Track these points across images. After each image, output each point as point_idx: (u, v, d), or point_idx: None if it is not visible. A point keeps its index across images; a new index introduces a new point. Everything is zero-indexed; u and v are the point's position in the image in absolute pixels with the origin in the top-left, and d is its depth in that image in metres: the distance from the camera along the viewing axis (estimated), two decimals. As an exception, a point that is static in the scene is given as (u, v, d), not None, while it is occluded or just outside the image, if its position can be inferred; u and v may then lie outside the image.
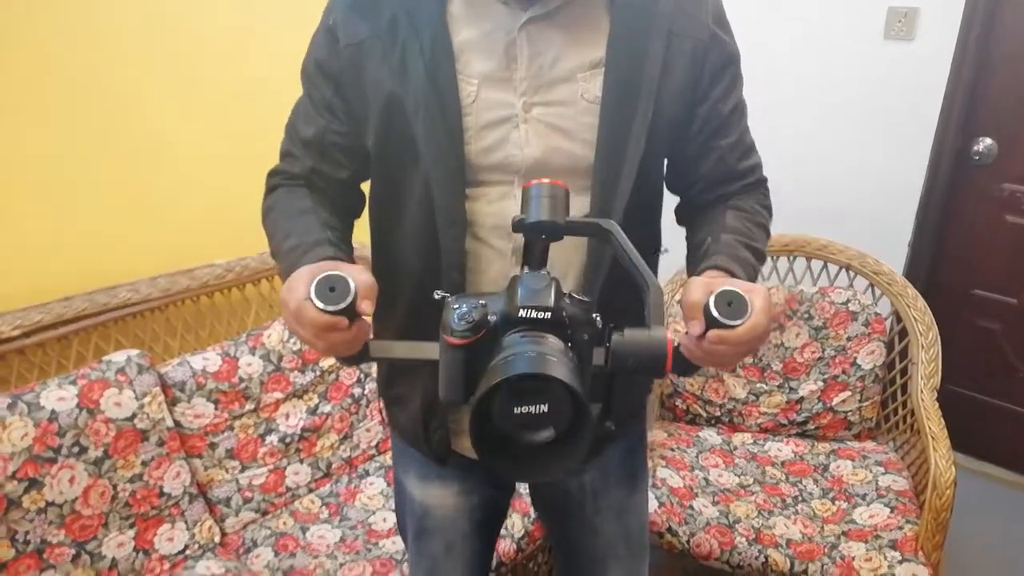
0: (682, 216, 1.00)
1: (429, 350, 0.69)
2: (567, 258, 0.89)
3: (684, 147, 0.92)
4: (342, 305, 0.67)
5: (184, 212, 1.73)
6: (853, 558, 1.54)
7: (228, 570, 1.48)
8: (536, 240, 0.69)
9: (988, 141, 2.28)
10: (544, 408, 0.57)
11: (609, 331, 0.66)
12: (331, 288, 0.67)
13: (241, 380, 1.64)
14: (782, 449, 1.94)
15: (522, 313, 0.63)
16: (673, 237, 1.03)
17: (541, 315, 0.63)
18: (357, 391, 1.82)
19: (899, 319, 1.97)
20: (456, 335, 0.64)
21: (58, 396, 1.37)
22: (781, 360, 2.01)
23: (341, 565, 1.51)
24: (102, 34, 1.52)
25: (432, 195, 0.84)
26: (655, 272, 0.96)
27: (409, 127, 0.82)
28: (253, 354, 1.68)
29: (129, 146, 1.61)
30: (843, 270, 2.06)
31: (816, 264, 2.11)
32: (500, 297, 0.66)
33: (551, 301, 0.64)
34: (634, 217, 0.84)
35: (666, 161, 0.95)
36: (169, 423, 1.51)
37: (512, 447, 0.58)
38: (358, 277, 0.69)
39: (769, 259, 2.15)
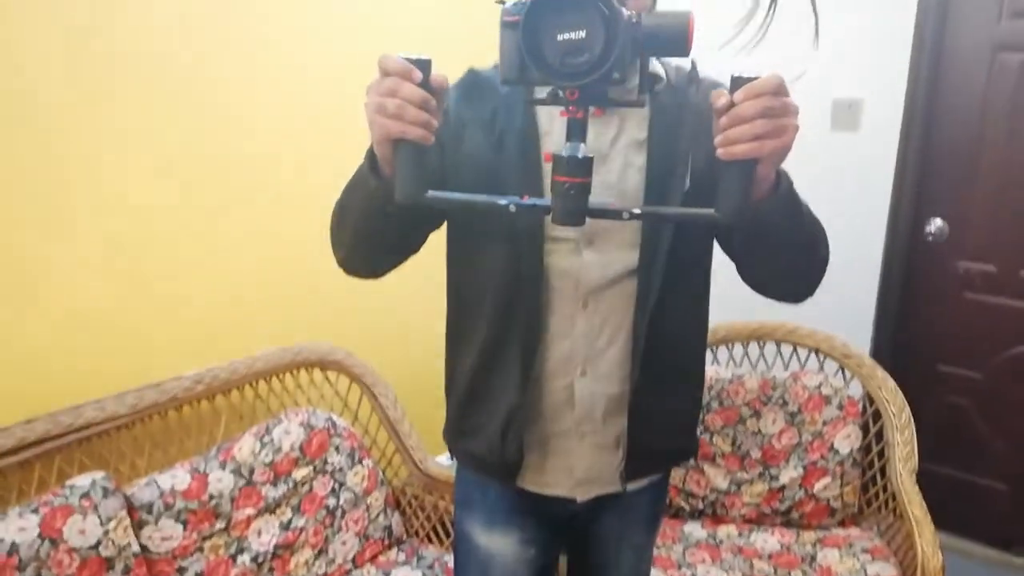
0: (746, 274, 1.07)
1: (483, 200, 0.86)
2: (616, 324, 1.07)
3: None
4: (421, 57, 0.80)
5: (151, 322, 1.70)
6: (849, 654, 1.51)
7: None
8: None
9: (939, 222, 2.38)
10: (582, 34, 0.73)
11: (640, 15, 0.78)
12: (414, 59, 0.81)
13: (211, 497, 1.58)
14: (768, 540, 1.92)
15: None
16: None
17: None
18: (331, 502, 1.77)
19: (871, 401, 1.99)
20: (509, 14, 0.77)
21: (19, 526, 1.31)
22: (759, 447, 2.00)
23: None
24: (79, 137, 1.53)
25: (516, 247, 1.02)
26: (702, 362, 1.18)
27: (502, 189, 0.98)
28: (223, 469, 1.63)
29: (91, 254, 1.59)
30: (813, 353, 2.08)
31: (786, 348, 2.13)
32: None
33: None
34: (677, 276, 1.03)
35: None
36: (135, 548, 1.44)
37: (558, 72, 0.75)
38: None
39: (739, 345, 2.17)
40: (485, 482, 1.19)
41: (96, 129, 1.55)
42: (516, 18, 0.76)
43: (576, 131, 0.81)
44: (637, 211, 0.86)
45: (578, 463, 1.12)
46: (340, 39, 1.98)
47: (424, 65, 0.81)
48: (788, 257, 0.99)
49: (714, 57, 1.21)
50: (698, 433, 1.27)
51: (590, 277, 1.04)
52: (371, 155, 0.90)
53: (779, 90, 0.77)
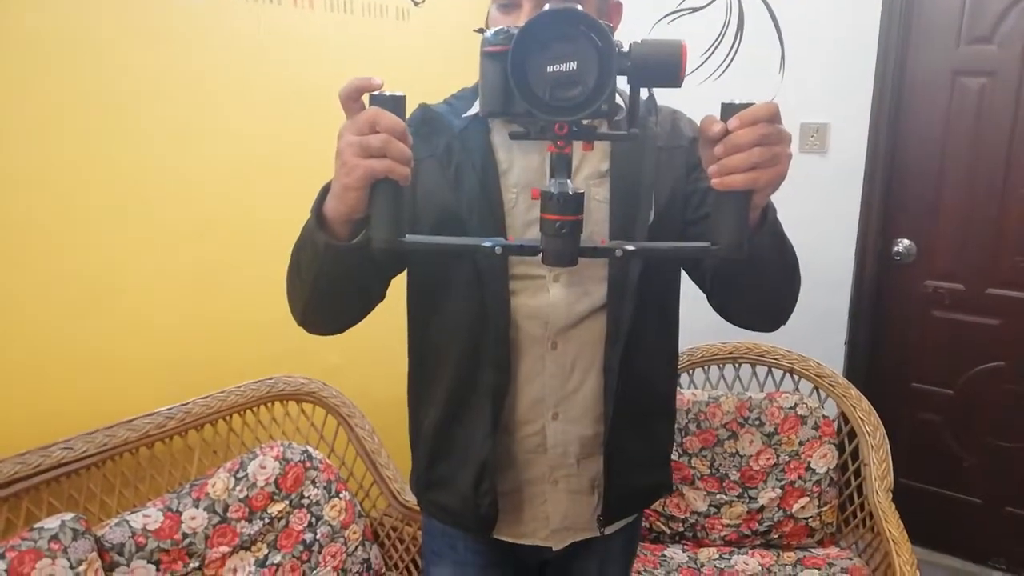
0: (719, 303, 1.03)
1: (466, 243, 0.81)
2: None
3: (691, 229, 1.03)
4: (396, 94, 0.75)
5: (122, 358, 1.67)
6: (832, 677, 1.50)
7: None
8: None
9: (906, 242, 2.42)
10: (573, 66, 0.68)
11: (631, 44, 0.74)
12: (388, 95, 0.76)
13: (184, 536, 1.55)
14: (748, 562, 1.92)
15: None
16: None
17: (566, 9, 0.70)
18: (308, 536, 1.74)
19: (846, 420, 2.01)
20: (491, 44, 0.73)
21: (-17, 574, 1.27)
22: (738, 469, 2.01)
23: None
24: (43, 174, 1.51)
25: (482, 287, 0.99)
26: (673, 395, 1.16)
27: (463, 228, 0.97)
28: (197, 506, 1.59)
29: (66, 291, 1.57)
30: (787, 374, 2.10)
31: (761, 370, 2.15)
32: None
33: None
34: (647, 308, 1.01)
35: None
36: (106, 592, 1.41)
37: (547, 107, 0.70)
38: None
39: (715, 367, 2.18)
40: (455, 534, 1.14)
41: (69, 166, 1.53)
42: (499, 48, 0.72)
43: (562, 167, 0.76)
44: (631, 247, 0.79)
45: (553, 511, 1.08)
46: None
47: (399, 102, 0.75)
48: (769, 287, 0.95)
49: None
50: (671, 467, 1.23)
51: (558, 315, 1.01)
52: (317, 210, 0.84)
53: (774, 117, 0.73)
